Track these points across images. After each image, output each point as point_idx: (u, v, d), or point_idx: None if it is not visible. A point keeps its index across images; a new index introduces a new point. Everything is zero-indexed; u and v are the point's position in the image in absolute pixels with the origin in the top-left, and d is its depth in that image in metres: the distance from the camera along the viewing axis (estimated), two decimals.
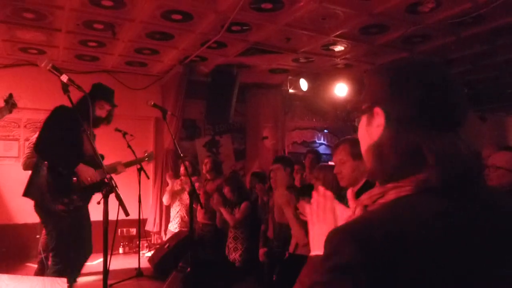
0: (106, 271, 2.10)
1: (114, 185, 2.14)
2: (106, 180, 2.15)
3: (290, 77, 6.83)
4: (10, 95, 3.66)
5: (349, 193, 1.05)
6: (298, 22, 4.71)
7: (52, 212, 2.92)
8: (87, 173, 2.93)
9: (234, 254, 4.64)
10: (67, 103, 2.35)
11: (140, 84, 6.89)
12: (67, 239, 2.98)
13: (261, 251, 4.12)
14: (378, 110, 0.91)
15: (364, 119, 0.97)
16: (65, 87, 2.23)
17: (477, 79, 6.88)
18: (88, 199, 3.13)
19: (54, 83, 5.13)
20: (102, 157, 2.88)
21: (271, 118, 7.52)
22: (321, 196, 1.08)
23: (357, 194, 1.02)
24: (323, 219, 1.06)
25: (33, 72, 6.11)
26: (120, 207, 2.15)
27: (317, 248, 1.02)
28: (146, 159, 4.36)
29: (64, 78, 2.26)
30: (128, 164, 3.79)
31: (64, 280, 1.39)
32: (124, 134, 4.75)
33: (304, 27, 4.90)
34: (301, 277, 1.01)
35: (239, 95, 6.75)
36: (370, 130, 0.93)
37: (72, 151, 2.96)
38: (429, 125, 0.84)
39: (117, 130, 4.71)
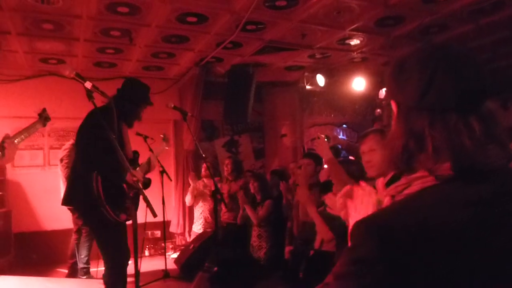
0: (137, 273, 2.13)
1: (141, 187, 2.17)
2: (133, 183, 2.18)
3: (306, 74, 6.80)
4: (44, 110, 3.74)
5: (379, 184, 1.05)
6: (313, 17, 4.69)
7: (109, 222, 2.76)
8: (134, 176, 2.78)
9: (258, 252, 4.66)
10: (88, 110, 2.37)
11: (158, 88, 6.95)
12: (124, 247, 2.88)
13: (287, 249, 4.13)
14: (392, 102, 0.91)
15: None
16: (89, 94, 2.28)
17: (498, 67, 6.73)
18: (138, 203, 2.95)
19: (75, 91, 5.24)
20: (137, 153, 2.84)
21: (289, 116, 7.52)
22: (362, 189, 1.09)
23: (387, 185, 1.02)
24: (365, 212, 1.06)
25: (54, 82, 6.27)
26: (147, 209, 2.19)
27: None
28: (164, 141, 4.24)
29: (88, 85, 2.31)
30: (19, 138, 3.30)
31: (101, 281, 1.41)
32: (145, 138, 4.80)
33: (319, 23, 4.87)
34: (333, 269, 1.02)
35: (256, 94, 6.76)
36: (392, 123, 0.94)
37: (121, 158, 2.77)
38: (435, 110, 0.82)
39: (138, 134, 4.76)
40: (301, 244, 3.86)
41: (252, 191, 4.91)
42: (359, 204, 1.11)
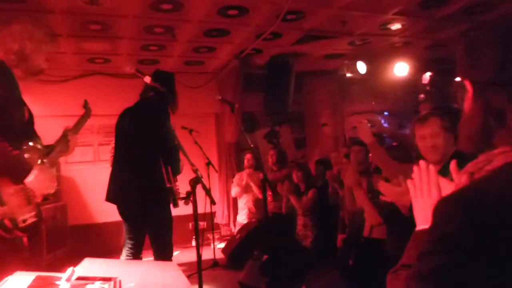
0: (199, 260, 2.22)
1: (200, 176, 2.25)
2: (194, 172, 2.26)
3: (346, 61, 6.73)
4: (86, 102, 3.92)
5: (453, 165, 1.05)
6: (354, 3, 4.62)
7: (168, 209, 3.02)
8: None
9: (304, 241, 4.70)
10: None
11: (198, 82, 7.09)
12: None
13: (340, 237, 4.13)
14: (466, 82, 0.92)
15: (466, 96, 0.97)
16: (148, 88, 2.38)
17: None
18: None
19: (121, 88, 5.42)
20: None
21: (329, 105, 7.47)
22: (424, 170, 1.09)
23: (444, 169, 1.02)
24: (427, 194, 1.07)
25: (101, 80, 6.53)
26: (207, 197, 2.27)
27: (422, 222, 1.04)
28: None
29: (147, 79, 2.41)
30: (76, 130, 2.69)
31: (175, 263, 1.50)
32: (191, 131, 4.93)
33: (360, 8, 4.79)
34: (408, 253, 1.03)
35: (296, 84, 6.76)
36: (465, 103, 0.94)
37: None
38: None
39: (184, 128, 4.90)
40: (353, 232, 3.86)
41: (295, 181, 4.94)
42: (423, 185, 1.11)
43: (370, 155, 3.83)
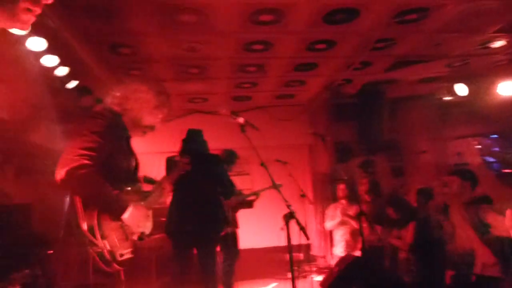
0: None
1: (293, 211, 2.30)
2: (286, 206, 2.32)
3: (444, 84, 6.37)
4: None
5: None
6: (447, 25, 4.43)
7: None
8: None
9: (407, 277, 4.43)
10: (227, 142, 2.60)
11: (289, 114, 7.25)
12: None
13: (449, 273, 3.83)
14: None
15: None
16: (242, 128, 2.53)
17: None
18: None
19: (218, 125, 5.76)
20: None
21: (427, 130, 7.09)
22: None
23: None
24: None
25: (200, 118, 7.00)
26: (301, 232, 2.30)
27: None
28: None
29: (241, 120, 2.57)
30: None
31: None
32: (285, 163, 5.03)
33: (454, 30, 4.57)
34: None
35: (390, 111, 6.56)
36: None
37: None
38: None
39: (278, 160, 5.02)
40: (462, 268, 3.55)
41: (392, 217, 4.72)
42: None
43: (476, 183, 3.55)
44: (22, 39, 3.34)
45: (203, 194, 3.57)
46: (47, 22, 3.32)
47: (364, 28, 4.31)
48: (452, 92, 6.24)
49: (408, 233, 4.44)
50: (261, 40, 4.51)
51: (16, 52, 3.40)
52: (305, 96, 6.93)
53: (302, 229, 2.29)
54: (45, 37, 3.41)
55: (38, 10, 1.19)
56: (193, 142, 3.51)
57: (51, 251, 2.98)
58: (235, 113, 2.65)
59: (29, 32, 3.22)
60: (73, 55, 4.03)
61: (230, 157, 5.03)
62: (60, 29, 3.55)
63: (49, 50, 3.58)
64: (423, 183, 6.59)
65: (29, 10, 1.18)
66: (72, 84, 4.30)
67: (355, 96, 6.59)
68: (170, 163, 3.63)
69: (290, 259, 2.31)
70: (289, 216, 2.28)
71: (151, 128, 2.16)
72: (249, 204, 5.08)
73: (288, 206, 2.32)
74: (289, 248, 2.29)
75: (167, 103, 2.16)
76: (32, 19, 1.21)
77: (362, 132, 6.50)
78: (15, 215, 3.53)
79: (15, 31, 3.08)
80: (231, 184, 3.93)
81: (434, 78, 6.42)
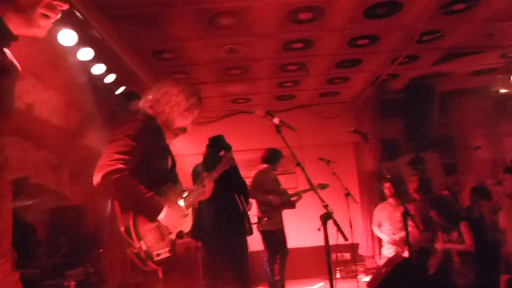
0: None
1: (331, 211, 2.27)
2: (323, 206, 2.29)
3: (499, 76, 6.01)
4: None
5: None
6: (499, 14, 4.18)
7: None
8: None
9: (463, 279, 4.21)
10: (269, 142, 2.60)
11: (334, 112, 7.12)
12: None
13: (503, 277, 3.62)
14: None
15: None
16: (278, 129, 2.53)
17: None
18: None
19: (260, 125, 5.80)
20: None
21: (482, 125, 6.71)
22: None
23: None
24: None
25: (243, 118, 7.05)
26: (338, 233, 2.26)
27: None
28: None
29: (276, 120, 2.57)
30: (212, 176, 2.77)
31: None
32: (328, 162, 4.96)
33: (508, 18, 4.30)
34: None
35: (440, 105, 6.28)
36: None
37: None
38: None
39: (321, 159, 4.96)
40: None
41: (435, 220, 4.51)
42: None
43: None
44: (72, 50, 3.54)
45: (230, 199, 3.62)
46: (92, 33, 3.50)
47: (407, 21, 4.16)
48: (508, 84, 5.90)
49: (466, 237, 4.20)
50: (301, 39, 4.48)
51: (67, 63, 3.61)
52: (349, 93, 6.80)
53: (340, 230, 2.26)
54: (92, 46, 3.59)
55: (54, 16, 1.20)
56: (218, 147, 3.51)
57: (101, 250, 3.13)
58: (270, 114, 2.65)
59: (77, 44, 3.40)
60: (119, 62, 4.21)
61: (274, 156, 5.03)
62: (105, 38, 3.72)
63: (96, 59, 3.77)
64: (478, 180, 6.26)
65: (46, 16, 1.18)
66: (120, 89, 4.49)
67: (402, 91, 6.37)
68: (196, 175, 3.69)
69: (328, 260, 2.28)
70: (326, 217, 2.25)
71: (183, 130, 2.19)
72: (291, 205, 5.06)
73: (325, 206, 2.29)
74: (327, 248, 2.27)
75: (198, 106, 2.18)
76: (49, 25, 1.21)
77: (410, 129, 6.28)
78: (71, 216, 3.76)
79: (63, 41, 3.28)
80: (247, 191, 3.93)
81: (488, 70, 6.07)
